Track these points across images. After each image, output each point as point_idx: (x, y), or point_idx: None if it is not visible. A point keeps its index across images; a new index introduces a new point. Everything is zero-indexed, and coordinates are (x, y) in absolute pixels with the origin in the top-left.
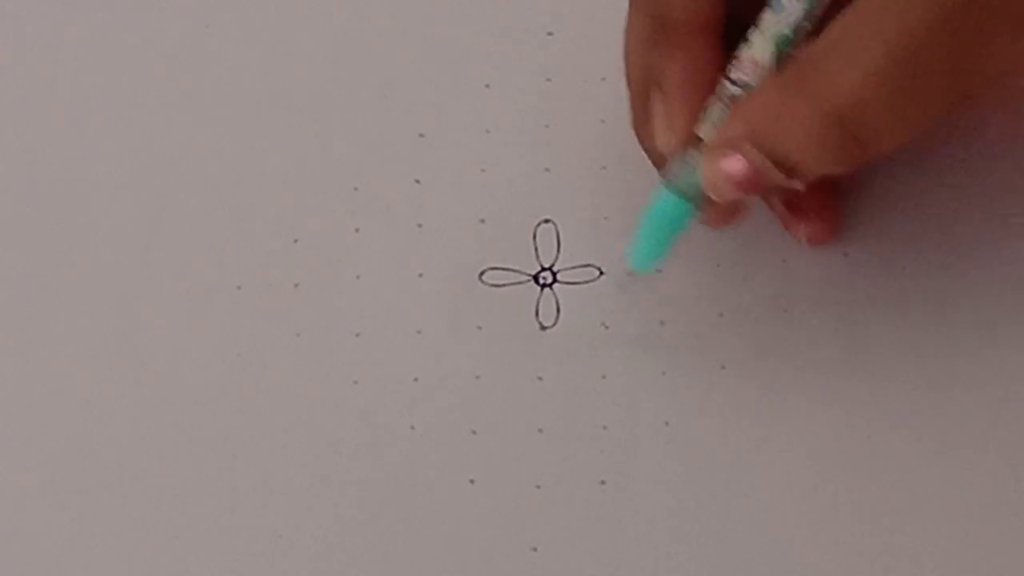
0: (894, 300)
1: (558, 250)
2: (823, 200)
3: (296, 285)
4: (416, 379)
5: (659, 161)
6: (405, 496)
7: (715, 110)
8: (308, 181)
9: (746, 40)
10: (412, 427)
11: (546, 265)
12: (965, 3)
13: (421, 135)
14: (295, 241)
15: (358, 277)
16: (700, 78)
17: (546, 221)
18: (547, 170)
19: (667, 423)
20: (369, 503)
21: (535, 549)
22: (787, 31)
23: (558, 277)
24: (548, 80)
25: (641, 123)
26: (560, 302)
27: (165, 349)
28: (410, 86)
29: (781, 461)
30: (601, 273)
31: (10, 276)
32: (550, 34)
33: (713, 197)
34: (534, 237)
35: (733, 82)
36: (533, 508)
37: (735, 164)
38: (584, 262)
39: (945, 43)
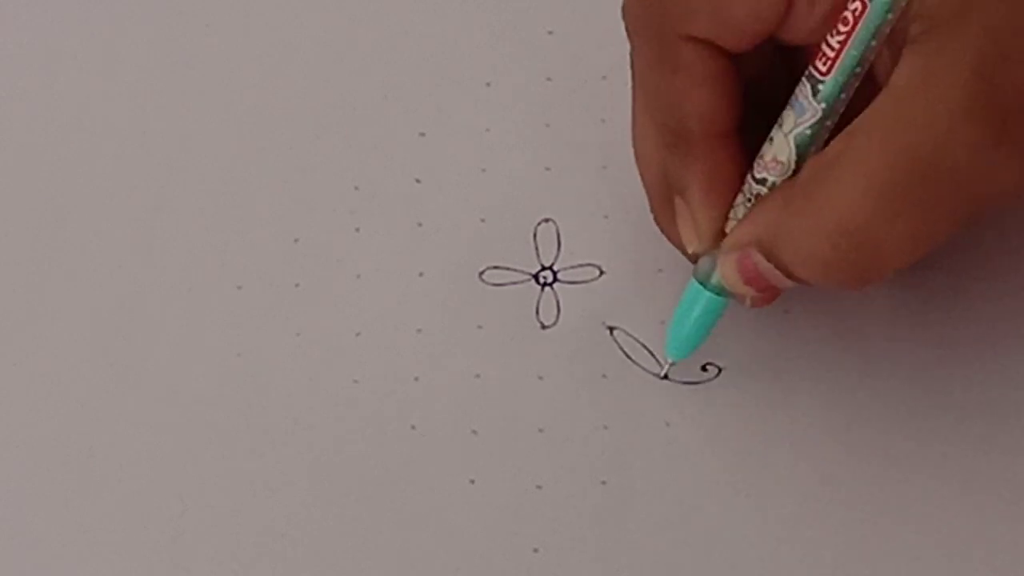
0: (893, 300)
1: (558, 249)
2: None
3: (296, 285)
4: (416, 379)
5: (687, 254)
6: (405, 496)
7: (742, 209)
8: (308, 181)
9: (769, 140)
10: (412, 427)
11: (546, 264)
12: (974, 116)
13: (421, 135)
14: (295, 241)
15: (358, 277)
16: (722, 184)
17: (546, 220)
18: (547, 170)
19: (667, 423)
20: (369, 503)
21: (536, 550)
22: (807, 131)
23: (558, 276)
24: (548, 80)
25: (664, 220)
26: (560, 301)
27: (165, 349)
28: (410, 86)
29: (781, 461)
30: (601, 272)
31: (10, 276)
32: (550, 34)
33: (731, 291)
34: (534, 236)
35: (759, 180)
36: (533, 508)
37: (745, 265)
38: (584, 261)
39: (953, 158)
